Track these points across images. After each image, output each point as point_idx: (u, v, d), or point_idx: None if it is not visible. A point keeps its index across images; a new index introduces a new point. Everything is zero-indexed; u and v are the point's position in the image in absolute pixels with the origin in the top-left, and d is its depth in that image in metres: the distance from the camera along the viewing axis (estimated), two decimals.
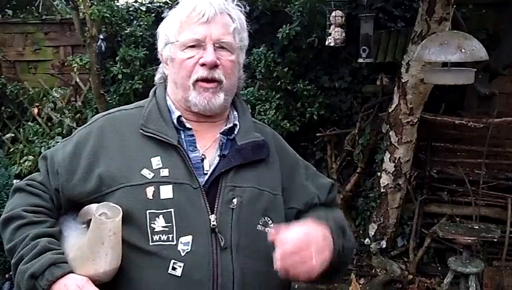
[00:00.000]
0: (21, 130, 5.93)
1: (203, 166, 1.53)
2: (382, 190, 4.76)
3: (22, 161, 5.41)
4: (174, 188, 1.46)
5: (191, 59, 1.53)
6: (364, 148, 4.99)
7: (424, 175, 4.96)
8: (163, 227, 1.43)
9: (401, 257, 4.87)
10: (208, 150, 1.57)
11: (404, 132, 4.50)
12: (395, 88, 4.45)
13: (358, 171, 5.07)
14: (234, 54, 1.57)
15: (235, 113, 1.66)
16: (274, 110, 4.76)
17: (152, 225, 1.43)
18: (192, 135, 1.56)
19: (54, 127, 5.71)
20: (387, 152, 4.66)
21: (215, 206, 1.47)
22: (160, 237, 1.42)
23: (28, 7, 6.88)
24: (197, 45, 1.53)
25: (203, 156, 1.55)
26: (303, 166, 1.74)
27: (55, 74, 6.16)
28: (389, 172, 4.68)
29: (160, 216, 1.43)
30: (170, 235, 1.42)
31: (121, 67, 5.01)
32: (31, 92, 6.03)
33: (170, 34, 1.58)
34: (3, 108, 6.01)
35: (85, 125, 1.67)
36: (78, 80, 5.86)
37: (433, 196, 5.01)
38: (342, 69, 5.25)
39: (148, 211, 1.43)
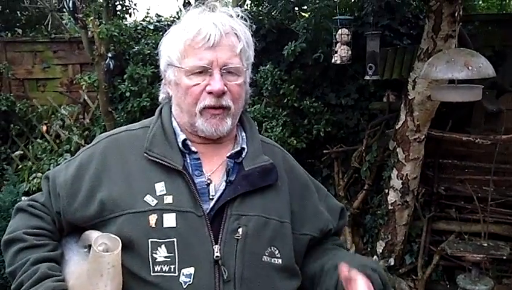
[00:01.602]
0: (30, 147, 5.96)
1: (208, 191, 1.48)
2: (390, 207, 4.73)
3: (30, 178, 5.43)
4: (178, 217, 1.41)
5: (197, 86, 1.48)
6: (371, 165, 4.98)
7: (431, 192, 4.94)
8: (165, 257, 1.39)
9: (410, 275, 4.83)
10: (214, 173, 1.52)
11: (411, 148, 4.49)
12: (402, 105, 4.45)
13: (365, 188, 5.06)
14: (241, 76, 1.52)
15: (243, 134, 1.61)
16: (281, 127, 4.77)
17: (154, 254, 1.39)
18: (198, 159, 1.52)
19: (62, 145, 5.73)
20: (394, 169, 4.64)
21: (220, 236, 1.42)
22: (161, 268, 1.38)
23: (37, 26, 6.95)
24: (203, 71, 1.47)
25: (208, 181, 1.50)
26: (314, 188, 1.68)
27: (63, 91, 6.20)
28: (396, 189, 4.66)
29: (163, 246, 1.39)
30: (172, 266, 1.38)
31: (129, 85, 5.04)
32: (39, 110, 6.06)
33: (173, 57, 1.52)
34: (12, 125, 6.04)
35: (89, 146, 1.62)
36: (86, 98, 5.90)
37: (441, 213, 4.98)
38: (348, 86, 5.26)
39: (150, 240, 1.39)
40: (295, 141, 4.81)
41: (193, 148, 1.52)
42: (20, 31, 6.84)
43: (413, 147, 4.48)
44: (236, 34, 1.50)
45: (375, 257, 4.82)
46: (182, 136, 1.53)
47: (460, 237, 4.79)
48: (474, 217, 4.80)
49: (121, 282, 1.40)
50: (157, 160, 1.47)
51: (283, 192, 1.56)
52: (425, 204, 4.97)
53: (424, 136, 4.48)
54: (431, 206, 4.94)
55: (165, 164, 1.46)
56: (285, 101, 4.96)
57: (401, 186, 4.63)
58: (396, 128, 4.55)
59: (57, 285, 1.40)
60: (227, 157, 1.53)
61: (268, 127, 4.78)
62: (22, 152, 5.97)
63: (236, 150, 1.55)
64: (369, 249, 4.97)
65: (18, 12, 7.25)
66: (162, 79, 1.63)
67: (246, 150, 1.56)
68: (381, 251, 4.83)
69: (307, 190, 1.65)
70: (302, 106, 4.98)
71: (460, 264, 4.60)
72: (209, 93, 1.47)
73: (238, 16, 1.53)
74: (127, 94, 5.06)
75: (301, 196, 1.61)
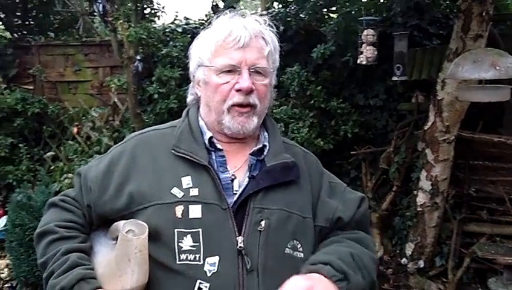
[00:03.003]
0: (61, 148, 6.07)
1: (232, 186, 1.54)
2: (419, 209, 4.68)
3: (61, 179, 5.52)
4: (203, 208, 1.47)
5: (227, 84, 1.54)
6: (400, 167, 4.94)
7: (462, 194, 4.86)
8: (190, 246, 1.44)
9: (440, 277, 4.76)
10: (238, 170, 1.58)
11: (440, 149, 4.44)
12: (431, 106, 4.40)
13: (394, 189, 5.01)
14: (268, 77, 1.58)
15: (266, 133, 1.67)
16: (307, 128, 4.75)
17: (180, 243, 1.44)
18: (223, 156, 1.58)
19: (93, 146, 5.82)
20: (423, 170, 4.59)
21: (243, 228, 1.47)
22: (187, 256, 1.43)
23: (69, 30, 7.09)
24: (233, 70, 1.54)
25: (233, 177, 1.55)
26: (328, 182, 1.71)
27: (94, 94, 6.30)
28: (425, 190, 4.61)
29: (188, 235, 1.44)
30: (197, 255, 1.43)
31: (157, 87, 5.10)
32: (71, 112, 6.18)
33: (204, 57, 1.59)
34: (44, 127, 6.17)
35: (119, 143, 1.70)
36: (116, 100, 5.98)
37: (472, 215, 4.90)
38: (377, 87, 5.22)
39: (176, 230, 1.45)
40: (322, 142, 4.79)
41: (218, 146, 1.58)
42: (52, 34, 6.97)
43: (443, 148, 4.43)
44: (264, 38, 1.58)
45: (404, 259, 4.77)
46: (208, 134, 1.60)
47: (491, 239, 4.71)
48: (507, 219, 4.72)
49: (147, 270, 1.45)
50: (184, 156, 1.54)
51: (305, 189, 1.61)
52: (455, 206, 4.89)
53: (453, 137, 4.42)
54: (462, 208, 4.87)
55: (192, 159, 1.53)
56: (312, 102, 4.95)
57: (431, 187, 4.57)
58: (425, 129, 4.50)
59: (86, 273, 1.46)
60: (250, 154, 1.59)
61: (294, 128, 4.77)
62: (54, 153, 6.09)
63: (258, 147, 1.61)
64: (398, 251, 4.92)
65: (51, 16, 7.40)
66: (190, 81, 1.70)
67: (267, 147, 1.61)
68: (410, 252, 4.78)
69: (320, 185, 1.68)
70: (329, 107, 4.96)
71: (492, 267, 4.52)
72: (238, 91, 1.53)
73: (266, 22, 1.61)
74: (155, 96, 5.12)
75: (316, 192, 1.65)
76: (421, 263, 4.70)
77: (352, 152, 5.16)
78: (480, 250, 4.17)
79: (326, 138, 4.94)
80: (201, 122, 1.64)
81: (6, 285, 4.85)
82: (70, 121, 6.17)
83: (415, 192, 4.72)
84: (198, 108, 1.67)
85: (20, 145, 5.95)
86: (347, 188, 1.77)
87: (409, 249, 4.78)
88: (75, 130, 5.99)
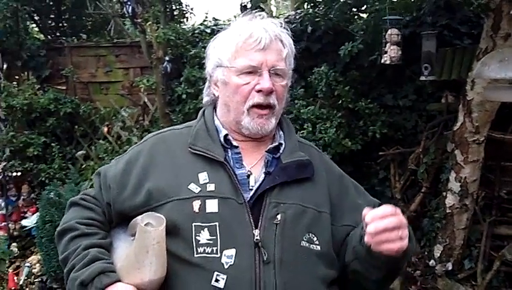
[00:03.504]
0: (92, 147, 6.17)
1: (248, 182, 1.58)
2: (448, 211, 4.61)
3: (92, 177, 5.61)
4: (220, 203, 1.51)
5: (247, 85, 1.58)
6: (429, 167, 4.87)
7: (493, 195, 4.77)
8: (207, 240, 1.48)
9: (469, 280, 4.69)
10: (254, 167, 1.61)
11: (470, 150, 4.36)
12: (460, 106, 4.34)
13: (423, 190, 4.94)
14: (285, 79, 1.64)
15: (281, 132, 1.70)
16: (335, 129, 4.72)
17: (197, 237, 1.48)
18: (239, 153, 1.61)
19: (123, 145, 5.91)
20: (452, 171, 4.52)
21: (259, 221, 1.51)
22: (204, 249, 1.47)
23: (100, 31, 7.20)
24: (253, 71, 1.58)
25: (249, 173, 1.59)
26: (352, 185, 1.76)
27: (124, 94, 6.39)
28: (454, 192, 4.54)
29: (206, 229, 1.48)
30: (214, 248, 1.47)
31: (185, 87, 5.14)
32: (102, 112, 6.28)
33: (224, 58, 1.62)
34: (76, 127, 6.28)
35: (137, 144, 1.76)
36: (146, 100, 6.05)
37: (502, 217, 4.80)
38: (406, 87, 5.15)
39: (194, 224, 1.49)
40: (350, 143, 4.75)
41: (234, 143, 1.62)
42: (84, 36, 7.09)
43: (472, 149, 4.36)
44: (282, 40, 1.63)
45: (432, 261, 4.71)
46: (223, 132, 1.64)
47: None
48: None
49: (165, 262, 1.49)
50: (201, 153, 1.58)
51: (320, 185, 1.64)
52: (485, 208, 4.80)
53: (483, 138, 4.34)
54: (492, 210, 4.77)
55: (208, 156, 1.57)
56: (340, 102, 4.92)
57: (460, 189, 4.50)
58: (455, 129, 4.43)
59: (106, 266, 1.50)
60: (266, 151, 1.63)
61: (322, 128, 4.75)
62: (84, 152, 6.19)
63: (274, 144, 1.65)
64: (426, 253, 4.85)
65: (83, 18, 7.53)
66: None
67: (283, 145, 1.66)
68: (439, 254, 4.71)
69: (343, 186, 1.72)
70: (358, 108, 4.92)
71: None
72: (258, 92, 1.58)
73: (282, 25, 1.66)
74: (184, 96, 5.16)
75: (339, 192, 1.68)
76: (450, 266, 4.63)
77: (380, 153, 5.10)
78: (510, 253, 4.09)
79: (354, 139, 4.90)
80: (217, 122, 1.68)
81: (36, 280, 4.97)
82: (101, 121, 6.28)
83: (444, 193, 4.65)
84: (213, 108, 1.71)
85: (53, 144, 6.10)
86: (364, 190, 1.82)
87: (438, 251, 4.72)
88: (105, 129, 6.09)
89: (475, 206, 4.66)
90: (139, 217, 1.53)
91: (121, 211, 1.63)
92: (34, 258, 5.25)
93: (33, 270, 5.15)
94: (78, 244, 1.56)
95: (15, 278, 5.05)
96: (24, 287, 5.07)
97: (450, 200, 4.59)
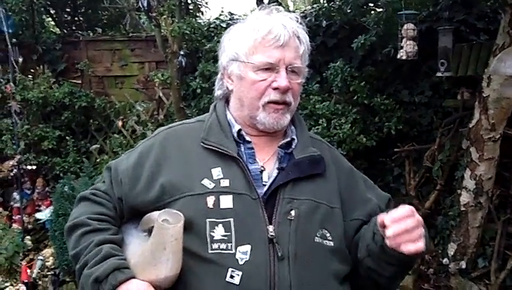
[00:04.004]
0: (107, 141, 6.20)
1: (261, 178, 1.57)
2: (462, 209, 4.56)
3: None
4: (234, 198, 1.50)
5: (264, 82, 1.57)
6: (444, 165, 4.83)
7: (508, 194, 4.72)
8: (222, 236, 1.47)
9: (482, 279, 4.64)
10: (267, 162, 1.61)
11: (485, 148, 4.31)
12: (476, 103, 4.29)
13: (437, 188, 4.90)
14: (301, 76, 1.63)
15: (292, 127, 1.70)
16: (350, 125, 4.69)
17: (212, 233, 1.47)
18: (252, 148, 1.61)
19: (137, 139, 5.92)
20: (467, 169, 4.47)
21: (273, 217, 1.51)
22: (219, 246, 1.46)
23: (116, 25, 7.21)
24: (270, 68, 1.57)
25: (262, 168, 1.59)
26: (361, 179, 1.75)
27: (140, 88, 6.40)
28: (469, 190, 4.49)
29: (220, 225, 1.47)
30: (229, 244, 1.46)
31: (200, 82, 5.14)
32: (117, 106, 6.30)
33: (240, 52, 1.60)
34: (91, 121, 6.31)
35: (149, 137, 1.74)
36: (161, 94, 6.06)
37: None
38: (422, 84, 5.10)
39: (208, 220, 1.48)
40: (365, 139, 4.72)
41: (247, 138, 1.61)
42: (100, 30, 7.11)
43: (488, 146, 4.31)
44: (299, 37, 1.62)
45: (445, 259, 4.67)
46: (236, 127, 1.63)
47: None
48: None
49: (181, 258, 1.47)
50: (213, 148, 1.57)
51: (331, 181, 1.64)
52: (500, 206, 4.75)
53: (499, 136, 4.29)
54: (507, 208, 4.72)
55: (221, 151, 1.56)
56: (356, 98, 4.89)
57: (475, 187, 4.45)
58: (470, 126, 4.39)
59: (120, 262, 1.49)
60: (279, 147, 1.62)
61: (337, 124, 4.73)
62: (99, 146, 6.22)
63: (287, 140, 1.64)
64: (440, 251, 4.82)
65: (99, 12, 7.56)
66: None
67: (296, 140, 1.65)
68: (452, 253, 4.67)
69: (353, 180, 1.72)
70: (373, 103, 4.89)
71: None
72: (275, 89, 1.57)
73: (298, 20, 1.64)
74: (198, 91, 5.16)
75: (348, 186, 1.68)
76: (463, 264, 4.58)
77: (395, 149, 5.07)
78: None
79: (369, 135, 4.87)
80: (229, 116, 1.66)
81: (49, 273, 5.00)
82: (116, 115, 6.29)
83: (459, 191, 4.60)
84: (225, 102, 1.70)
85: (68, 137, 6.12)
86: (373, 183, 1.81)
87: (451, 249, 4.67)
88: (120, 123, 6.11)
89: (490, 204, 4.61)
90: (154, 214, 1.52)
91: (133, 206, 1.61)
92: (47, 252, 5.28)
93: (46, 264, 5.18)
94: (90, 240, 1.54)
95: (28, 271, 5.08)
96: (37, 280, 5.11)
97: (465, 198, 4.54)
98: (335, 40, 5.22)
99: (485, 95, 4.15)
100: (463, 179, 4.54)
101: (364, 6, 5.17)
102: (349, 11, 5.16)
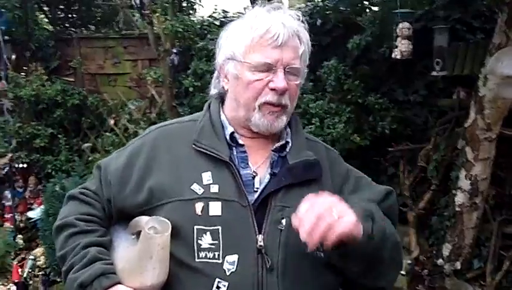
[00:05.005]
0: (99, 140, 6.15)
1: (253, 183, 1.52)
2: (457, 209, 4.53)
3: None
4: (223, 206, 1.45)
5: (260, 82, 1.51)
6: (439, 165, 4.79)
7: (503, 194, 4.69)
8: (209, 244, 1.42)
9: (477, 280, 4.61)
10: (259, 167, 1.55)
11: (481, 148, 4.28)
12: (472, 102, 4.25)
13: (432, 188, 4.87)
14: (299, 77, 1.57)
15: (288, 129, 1.63)
16: (343, 124, 4.65)
17: (199, 241, 1.43)
18: (245, 152, 1.55)
19: (130, 138, 5.87)
20: (463, 169, 4.44)
21: (263, 226, 1.45)
22: (206, 254, 1.42)
23: (109, 22, 7.18)
24: (268, 68, 1.51)
25: (254, 173, 1.53)
26: (353, 180, 1.66)
27: (132, 86, 6.35)
28: (464, 190, 4.45)
29: (208, 233, 1.43)
30: (216, 253, 1.42)
31: (193, 80, 5.10)
32: (109, 104, 6.25)
33: (237, 51, 1.54)
34: (83, 119, 6.26)
35: (139, 136, 1.69)
36: (153, 93, 6.02)
37: None
38: (417, 82, 5.07)
39: (196, 227, 1.44)
40: (358, 138, 4.68)
41: (240, 141, 1.56)
42: (93, 27, 7.08)
43: (483, 146, 4.27)
44: (299, 36, 1.55)
45: (440, 259, 4.64)
46: (229, 129, 1.57)
47: None
48: None
49: (168, 266, 1.45)
50: (205, 151, 1.52)
51: (327, 186, 1.55)
52: (496, 207, 4.72)
53: (495, 136, 4.26)
54: (502, 209, 4.69)
55: (212, 154, 1.51)
56: (349, 97, 4.85)
57: (470, 187, 4.42)
58: (466, 126, 4.35)
59: (106, 268, 1.46)
60: (272, 150, 1.56)
61: (330, 123, 4.68)
62: (90, 144, 6.17)
63: (281, 143, 1.58)
64: (434, 251, 4.79)
65: (92, 9, 7.52)
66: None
67: (290, 144, 1.58)
68: (447, 253, 4.63)
69: (344, 184, 1.63)
70: (367, 102, 4.85)
71: None
72: (272, 90, 1.51)
73: (299, 18, 1.57)
74: (191, 89, 5.12)
75: (341, 191, 1.59)
76: (458, 265, 4.56)
77: (390, 149, 5.03)
78: None
79: (363, 134, 4.83)
80: (223, 117, 1.61)
81: (40, 273, 4.97)
82: (109, 113, 6.26)
83: (454, 191, 4.57)
84: (220, 102, 1.64)
85: (60, 135, 6.10)
86: (370, 181, 1.71)
87: (446, 250, 4.64)
88: (112, 121, 6.06)
89: (485, 204, 4.58)
90: (142, 219, 1.49)
91: (121, 208, 1.57)
92: (38, 251, 5.24)
93: (37, 263, 5.14)
94: (77, 242, 1.51)
95: (19, 270, 5.04)
96: (28, 280, 5.07)
97: (460, 198, 4.51)
98: (329, 38, 5.18)
99: (481, 95, 4.11)
100: (458, 179, 4.51)
101: (359, 5, 5.13)
102: (344, 9, 5.11)
